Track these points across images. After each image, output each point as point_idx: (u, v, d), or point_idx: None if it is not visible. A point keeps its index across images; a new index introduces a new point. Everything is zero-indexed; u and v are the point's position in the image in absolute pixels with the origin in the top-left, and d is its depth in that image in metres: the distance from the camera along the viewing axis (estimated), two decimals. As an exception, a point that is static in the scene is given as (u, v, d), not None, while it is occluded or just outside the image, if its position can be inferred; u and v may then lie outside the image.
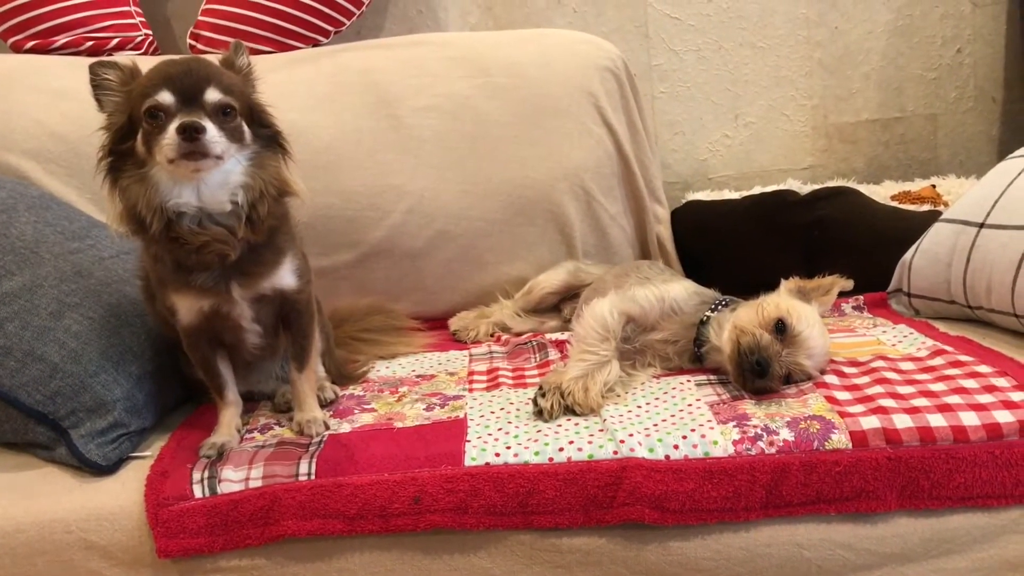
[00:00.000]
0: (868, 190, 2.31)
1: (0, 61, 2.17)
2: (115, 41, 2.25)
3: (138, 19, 2.31)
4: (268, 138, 1.44)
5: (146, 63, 1.42)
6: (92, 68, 1.39)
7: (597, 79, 2.26)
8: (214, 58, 1.45)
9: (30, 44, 2.22)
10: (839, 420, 1.36)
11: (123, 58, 1.49)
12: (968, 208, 1.81)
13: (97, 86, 1.39)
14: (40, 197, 1.79)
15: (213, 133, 1.31)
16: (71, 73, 2.05)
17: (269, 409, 1.65)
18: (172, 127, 1.29)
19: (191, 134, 1.28)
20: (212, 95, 1.33)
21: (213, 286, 1.42)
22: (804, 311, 1.57)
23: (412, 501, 1.33)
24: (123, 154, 1.37)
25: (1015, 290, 1.60)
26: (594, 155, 2.24)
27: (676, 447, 1.34)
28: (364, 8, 2.37)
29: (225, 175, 1.37)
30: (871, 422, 1.34)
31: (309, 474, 1.37)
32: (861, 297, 1.98)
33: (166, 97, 1.32)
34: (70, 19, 2.21)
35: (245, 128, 1.39)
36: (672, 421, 1.42)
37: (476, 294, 2.20)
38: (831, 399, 1.44)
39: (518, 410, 1.52)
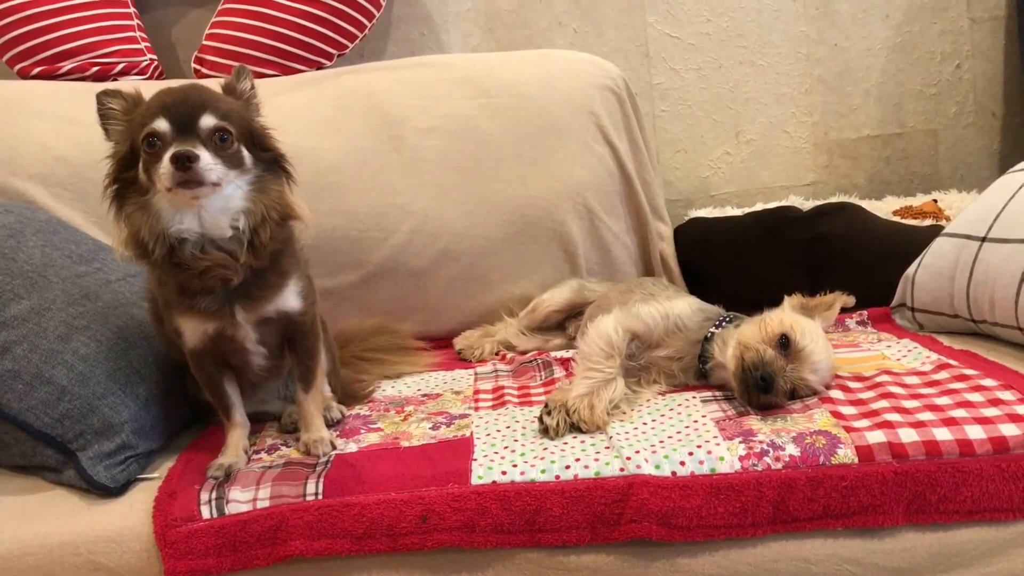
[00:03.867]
0: (870, 206, 2.32)
1: (7, 87, 2.19)
2: (121, 66, 2.27)
3: (143, 44, 2.33)
4: (271, 162, 1.43)
5: (151, 88, 1.43)
6: (99, 97, 1.40)
7: (598, 98, 2.27)
8: (217, 82, 1.46)
9: (37, 70, 2.24)
10: (845, 435, 1.36)
11: (128, 85, 1.49)
12: (970, 222, 1.82)
13: (103, 115, 1.40)
14: (47, 221, 1.80)
15: (208, 161, 1.30)
16: (77, 98, 2.07)
17: (276, 429, 1.65)
18: (167, 156, 1.29)
19: (184, 163, 1.28)
20: (207, 122, 1.33)
21: (217, 309, 1.42)
22: (807, 326, 1.57)
23: (419, 520, 1.33)
24: (128, 182, 1.38)
25: (1018, 303, 1.61)
26: (596, 174, 2.25)
27: (682, 463, 1.34)
28: (367, 31, 2.39)
29: (225, 201, 1.37)
30: (877, 436, 1.34)
31: (316, 494, 1.37)
32: (865, 312, 1.99)
33: (162, 125, 1.32)
34: (76, 45, 2.23)
35: (245, 153, 1.39)
36: (678, 438, 1.42)
37: (480, 313, 2.21)
38: (836, 414, 1.43)
39: (524, 428, 1.52)
